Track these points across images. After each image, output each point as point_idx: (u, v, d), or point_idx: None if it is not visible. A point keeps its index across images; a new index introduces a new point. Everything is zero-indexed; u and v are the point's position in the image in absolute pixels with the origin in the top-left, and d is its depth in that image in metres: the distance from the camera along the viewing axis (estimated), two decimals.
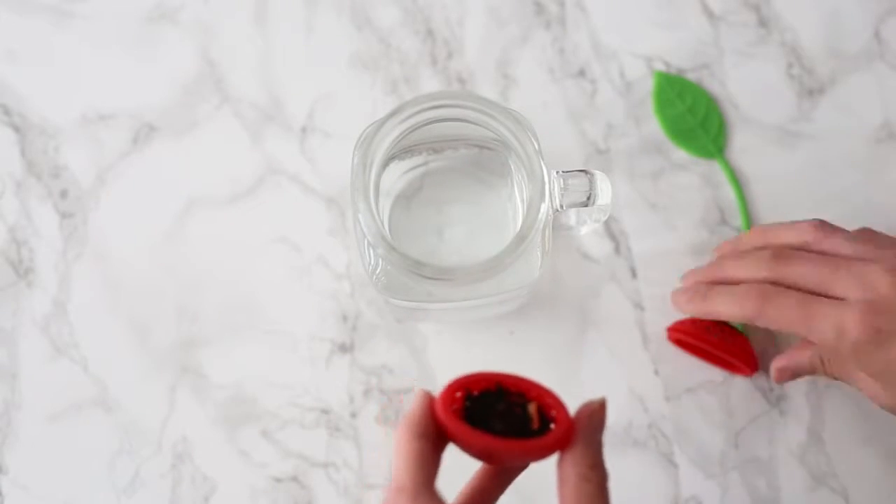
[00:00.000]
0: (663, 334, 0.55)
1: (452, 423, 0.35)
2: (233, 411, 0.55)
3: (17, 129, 0.58)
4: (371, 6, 0.60)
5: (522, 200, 0.50)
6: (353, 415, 0.55)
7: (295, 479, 0.54)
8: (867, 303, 0.44)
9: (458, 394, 0.36)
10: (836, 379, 0.50)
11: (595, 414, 0.38)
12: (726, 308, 0.48)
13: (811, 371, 0.51)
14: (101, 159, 0.58)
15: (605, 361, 0.55)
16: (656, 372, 0.55)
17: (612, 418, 0.54)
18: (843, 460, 0.54)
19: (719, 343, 0.53)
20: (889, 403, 0.46)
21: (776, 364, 0.52)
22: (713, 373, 0.55)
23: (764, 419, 0.54)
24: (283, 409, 0.55)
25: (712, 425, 0.54)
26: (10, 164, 0.58)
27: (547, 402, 0.37)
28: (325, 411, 0.55)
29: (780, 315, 0.45)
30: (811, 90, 0.59)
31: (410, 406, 0.36)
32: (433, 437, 0.35)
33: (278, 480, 0.54)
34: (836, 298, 0.45)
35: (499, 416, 0.36)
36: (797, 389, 0.55)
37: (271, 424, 0.54)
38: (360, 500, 0.54)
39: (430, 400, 0.36)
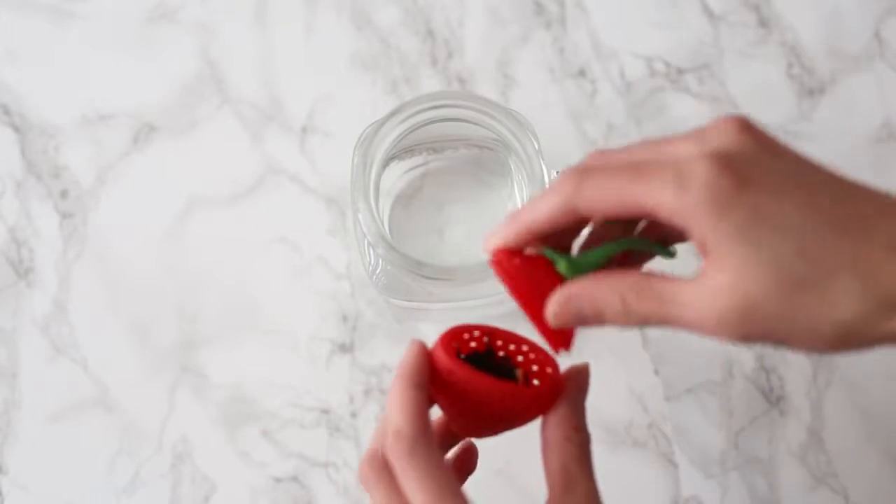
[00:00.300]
0: (663, 334, 0.55)
1: (458, 366, 0.36)
2: (233, 411, 0.55)
3: (17, 129, 0.58)
4: (371, 6, 0.60)
5: (522, 200, 0.50)
6: (353, 415, 0.55)
7: (295, 479, 0.54)
8: (717, 151, 0.33)
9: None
10: (642, 322, 0.34)
11: (580, 375, 0.38)
12: (541, 205, 0.35)
13: (601, 314, 0.35)
14: (101, 159, 0.58)
15: (605, 361, 0.55)
16: (656, 372, 0.55)
17: (613, 418, 0.55)
18: (843, 460, 0.54)
19: (537, 283, 0.36)
20: (755, 280, 0.32)
21: (556, 296, 0.35)
22: (713, 373, 0.55)
23: (764, 419, 0.54)
24: (283, 409, 0.55)
25: (712, 425, 0.54)
26: (10, 164, 0.58)
27: (538, 359, 0.38)
28: (325, 411, 0.55)
29: (602, 186, 0.33)
30: (811, 90, 0.59)
31: (405, 357, 0.36)
32: (426, 388, 0.36)
33: (278, 480, 0.54)
34: None
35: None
36: (797, 389, 0.55)
37: (271, 424, 0.54)
38: (360, 501, 0.54)
39: (424, 350, 0.36)
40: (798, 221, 0.32)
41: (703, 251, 0.32)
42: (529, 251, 0.36)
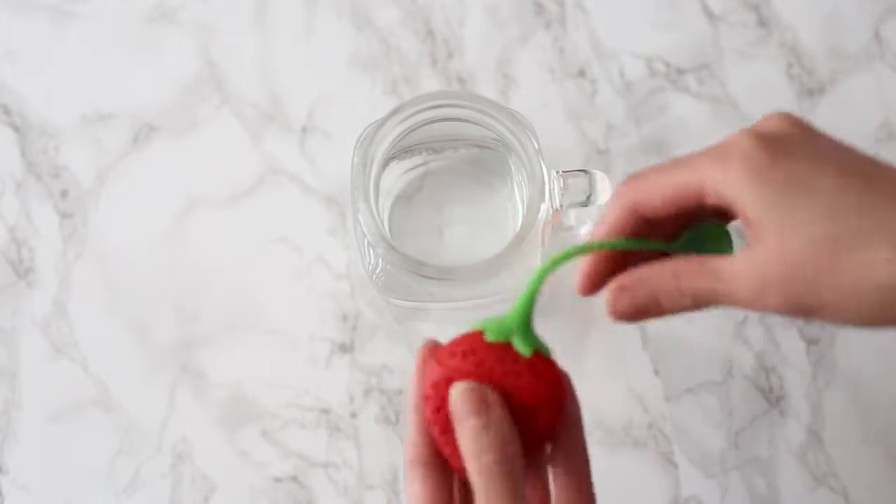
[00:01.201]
0: (663, 334, 0.55)
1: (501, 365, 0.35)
2: (233, 411, 0.55)
3: (17, 129, 0.58)
4: (371, 6, 0.60)
5: (522, 200, 0.50)
6: (353, 415, 0.55)
7: (295, 479, 0.54)
8: (758, 131, 0.34)
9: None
10: (694, 302, 0.35)
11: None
12: (609, 214, 0.36)
13: (655, 298, 0.35)
14: (101, 159, 0.58)
15: (605, 361, 0.55)
16: (656, 372, 0.55)
17: (612, 418, 0.55)
18: (843, 460, 0.54)
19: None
20: (793, 242, 0.32)
21: (615, 283, 0.36)
22: (713, 373, 0.55)
23: (764, 419, 0.55)
24: (283, 409, 0.55)
25: (712, 425, 0.54)
26: (10, 164, 0.58)
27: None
28: (325, 411, 0.55)
29: (652, 179, 0.35)
30: (811, 90, 0.59)
31: (459, 395, 0.35)
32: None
33: (278, 480, 0.54)
34: None
35: None
36: (797, 389, 0.55)
37: (271, 424, 0.54)
38: (360, 500, 0.54)
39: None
40: (833, 184, 0.32)
41: (748, 223, 0.33)
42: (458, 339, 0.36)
